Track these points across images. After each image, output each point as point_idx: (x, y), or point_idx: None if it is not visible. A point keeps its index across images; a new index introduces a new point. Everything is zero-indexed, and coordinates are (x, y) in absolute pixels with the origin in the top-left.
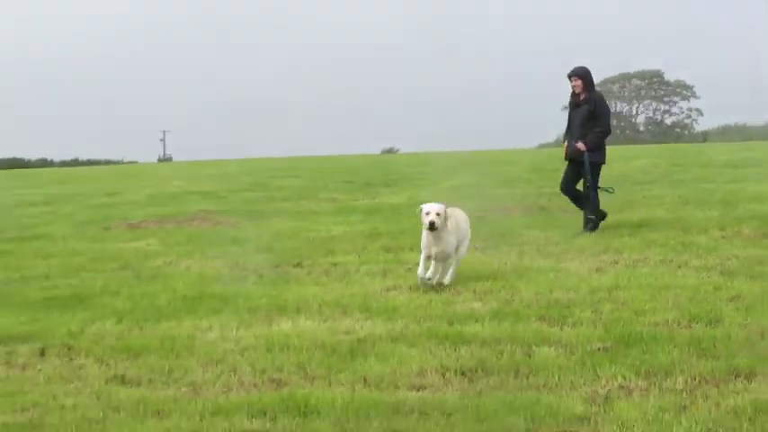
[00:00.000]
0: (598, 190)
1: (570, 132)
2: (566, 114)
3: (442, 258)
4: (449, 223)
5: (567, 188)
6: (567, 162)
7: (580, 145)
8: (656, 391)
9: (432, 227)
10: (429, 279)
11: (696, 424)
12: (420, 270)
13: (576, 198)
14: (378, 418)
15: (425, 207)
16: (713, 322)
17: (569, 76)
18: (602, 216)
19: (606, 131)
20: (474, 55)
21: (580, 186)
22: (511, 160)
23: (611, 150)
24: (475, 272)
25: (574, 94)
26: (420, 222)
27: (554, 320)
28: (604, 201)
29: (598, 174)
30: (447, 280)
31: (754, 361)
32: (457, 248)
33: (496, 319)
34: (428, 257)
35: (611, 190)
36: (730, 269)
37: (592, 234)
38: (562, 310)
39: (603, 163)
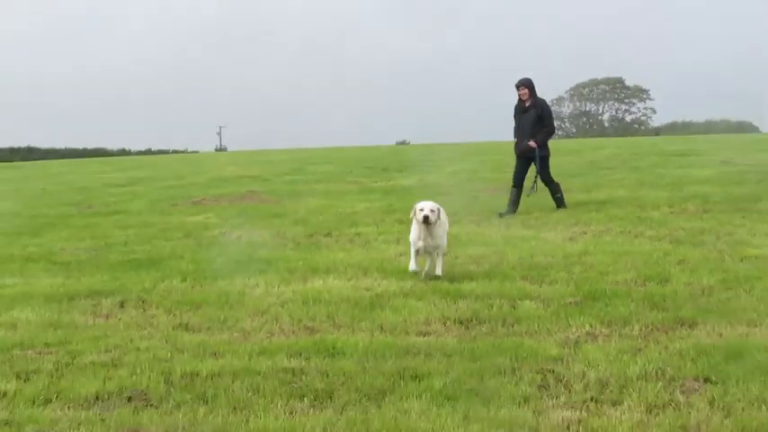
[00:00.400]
0: (523, 186)
1: (519, 132)
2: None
3: (432, 249)
4: (441, 216)
5: (518, 182)
6: (517, 159)
7: (531, 143)
8: (617, 336)
9: (426, 220)
10: (418, 271)
11: (649, 363)
12: (412, 264)
13: (519, 195)
14: (392, 358)
15: (419, 204)
16: (663, 281)
17: (517, 86)
18: (515, 209)
19: (552, 131)
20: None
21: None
22: (502, 150)
23: (582, 142)
24: (471, 240)
25: (520, 101)
26: (411, 218)
27: (534, 279)
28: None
29: (547, 164)
30: (438, 272)
31: (697, 313)
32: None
33: (488, 278)
34: (417, 252)
35: (533, 191)
36: (678, 238)
37: (565, 209)
38: (541, 271)
39: (549, 155)
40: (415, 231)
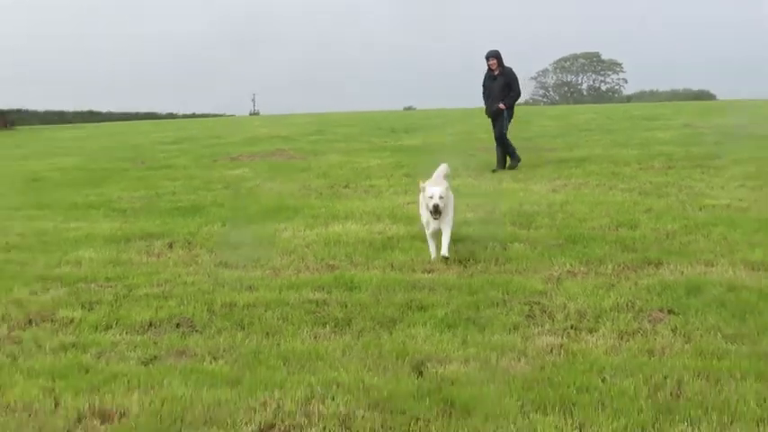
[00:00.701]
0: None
1: (490, 98)
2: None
3: (443, 225)
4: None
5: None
6: (492, 121)
7: (501, 105)
8: (593, 274)
9: (436, 210)
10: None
11: (620, 297)
12: (432, 251)
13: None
14: (401, 292)
15: (429, 190)
16: (633, 227)
17: (487, 58)
18: (504, 165)
19: (518, 95)
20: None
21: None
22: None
23: (564, 108)
24: (468, 192)
25: (490, 70)
26: (419, 199)
27: (523, 225)
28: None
29: (509, 126)
30: (445, 252)
31: (662, 254)
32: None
33: (483, 224)
34: (432, 234)
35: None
36: (645, 190)
37: (520, 165)
38: (528, 218)
39: (512, 117)
40: (425, 215)
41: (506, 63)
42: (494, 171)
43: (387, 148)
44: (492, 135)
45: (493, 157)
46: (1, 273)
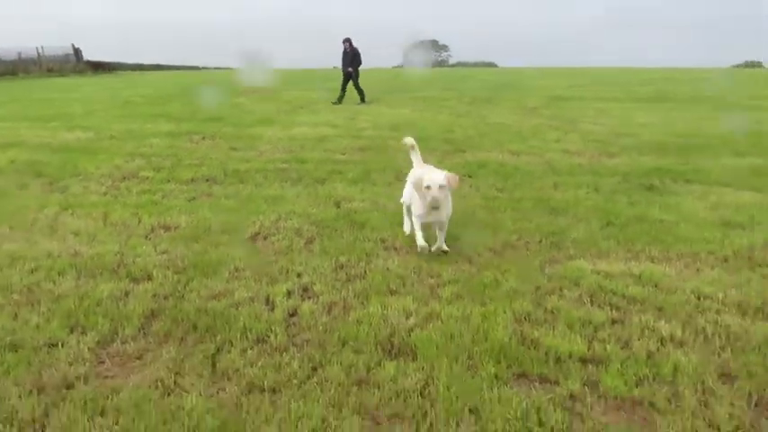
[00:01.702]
0: (345, 91)
1: (344, 64)
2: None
3: (438, 222)
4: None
5: (343, 88)
6: (343, 77)
7: (350, 69)
8: (431, 157)
9: (435, 203)
10: (426, 246)
11: (449, 168)
12: (419, 240)
13: (343, 96)
14: (329, 164)
15: (425, 179)
16: (451, 132)
17: (343, 41)
18: (363, 97)
19: (360, 63)
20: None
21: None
22: (386, 72)
23: (419, 71)
24: (366, 113)
25: (345, 49)
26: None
27: (393, 130)
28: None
29: (357, 80)
30: (443, 245)
31: (466, 147)
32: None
33: (373, 128)
34: (422, 225)
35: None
36: (457, 113)
37: (366, 102)
38: (396, 127)
39: (358, 76)
40: (419, 207)
41: (355, 44)
42: (333, 103)
43: (323, 88)
44: (368, 86)
45: (383, 96)
46: (108, 150)
